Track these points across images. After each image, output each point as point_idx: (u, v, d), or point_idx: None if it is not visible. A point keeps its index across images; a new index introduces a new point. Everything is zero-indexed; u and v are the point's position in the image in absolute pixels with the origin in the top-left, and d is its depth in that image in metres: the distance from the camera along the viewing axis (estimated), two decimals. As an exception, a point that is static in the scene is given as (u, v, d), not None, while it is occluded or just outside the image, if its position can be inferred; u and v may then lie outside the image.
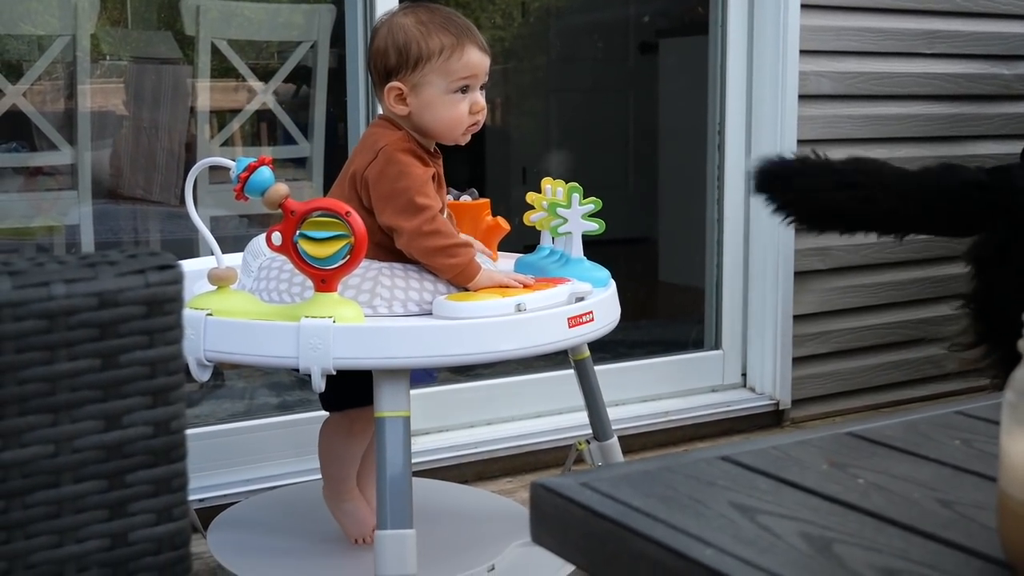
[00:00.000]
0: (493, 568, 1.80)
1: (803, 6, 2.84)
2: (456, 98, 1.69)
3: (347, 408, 1.81)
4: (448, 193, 1.94)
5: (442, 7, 1.78)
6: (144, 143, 3.23)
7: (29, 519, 0.83)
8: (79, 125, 2.90)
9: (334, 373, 1.49)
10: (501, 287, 1.64)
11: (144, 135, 3.24)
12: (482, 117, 1.73)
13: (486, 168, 4.99)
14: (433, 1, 1.83)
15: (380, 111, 1.78)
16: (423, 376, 2.63)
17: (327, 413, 1.89)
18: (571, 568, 1.80)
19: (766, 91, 2.89)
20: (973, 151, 3.18)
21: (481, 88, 1.73)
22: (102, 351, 0.83)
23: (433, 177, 1.70)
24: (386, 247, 1.65)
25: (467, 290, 1.65)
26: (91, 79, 3.01)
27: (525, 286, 1.67)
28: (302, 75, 3.25)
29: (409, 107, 1.69)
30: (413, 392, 1.63)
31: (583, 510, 0.79)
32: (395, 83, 1.69)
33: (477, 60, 1.70)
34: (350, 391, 1.73)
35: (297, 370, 1.54)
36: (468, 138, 1.75)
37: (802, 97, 2.88)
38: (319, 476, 1.92)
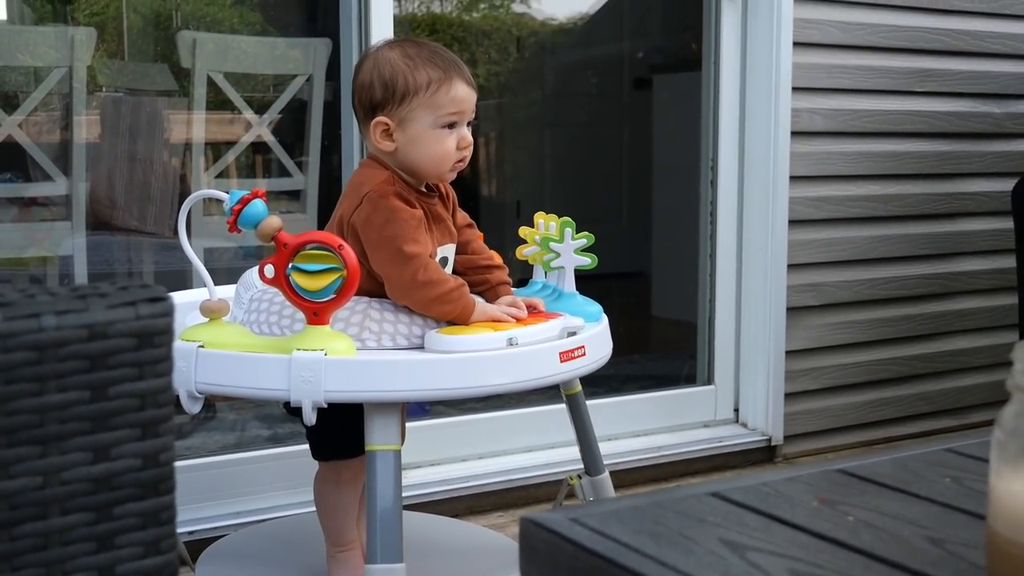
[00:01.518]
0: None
1: (795, 44, 2.87)
2: (443, 133, 1.67)
3: (333, 459, 1.80)
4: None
5: (428, 42, 1.77)
6: (139, 174, 3.23)
7: (16, 551, 0.82)
8: (74, 156, 2.91)
9: (325, 406, 1.49)
10: (495, 321, 1.64)
11: (139, 166, 3.24)
12: (468, 153, 1.71)
13: (480, 202, 5.00)
14: (421, 36, 1.82)
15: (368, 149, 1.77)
16: (415, 409, 2.64)
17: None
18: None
19: (759, 127, 2.90)
20: (964, 188, 3.20)
21: (468, 124, 1.71)
22: (92, 383, 0.83)
23: (427, 214, 1.69)
24: (376, 282, 1.64)
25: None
26: (87, 110, 3.02)
27: (518, 319, 1.67)
28: (297, 108, 3.26)
29: (395, 143, 1.67)
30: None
31: (572, 545, 0.78)
32: (381, 118, 1.67)
33: (464, 94, 1.69)
34: (336, 442, 1.72)
35: (288, 403, 1.54)
36: (454, 175, 1.73)
37: (794, 134, 2.90)
38: (310, 509, 1.91)
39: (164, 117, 3.33)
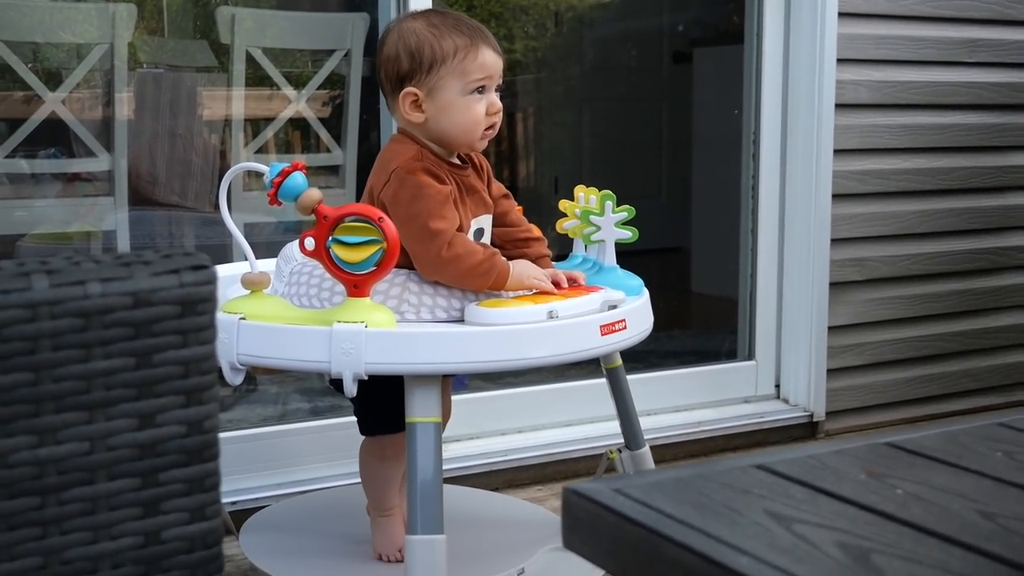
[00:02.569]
0: (523, 571, 1.80)
1: (840, 14, 2.83)
2: (473, 99, 1.66)
3: (378, 434, 1.81)
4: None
5: (450, 11, 1.76)
6: (179, 150, 3.25)
7: (64, 515, 0.83)
8: (116, 132, 2.93)
9: (365, 378, 1.49)
10: (534, 285, 1.63)
11: (179, 142, 3.26)
12: (498, 119, 1.70)
13: (518, 178, 4.99)
14: (459, 12, 1.80)
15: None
16: (455, 383, 2.64)
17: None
18: (600, 573, 1.79)
19: (802, 100, 2.87)
20: (1013, 161, 3.15)
21: (496, 90, 1.70)
22: (136, 350, 0.83)
23: (460, 186, 1.68)
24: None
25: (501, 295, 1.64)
26: (128, 87, 3.03)
27: (556, 284, 1.66)
28: (336, 83, 3.26)
29: (425, 113, 1.66)
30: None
31: (616, 516, 0.78)
32: (410, 88, 1.66)
33: (491, 60, 1.67)
34: (381, 417, 1.73)
35: (329, 376, 1.55)
36: (485, 144, 1.71)
37: (839, 106, 2.86)
38: (351, 481, 1.92)
39: (203, 93, 3.34)
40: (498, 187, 1.82)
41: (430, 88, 1.66)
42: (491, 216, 1.76)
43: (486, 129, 1.69)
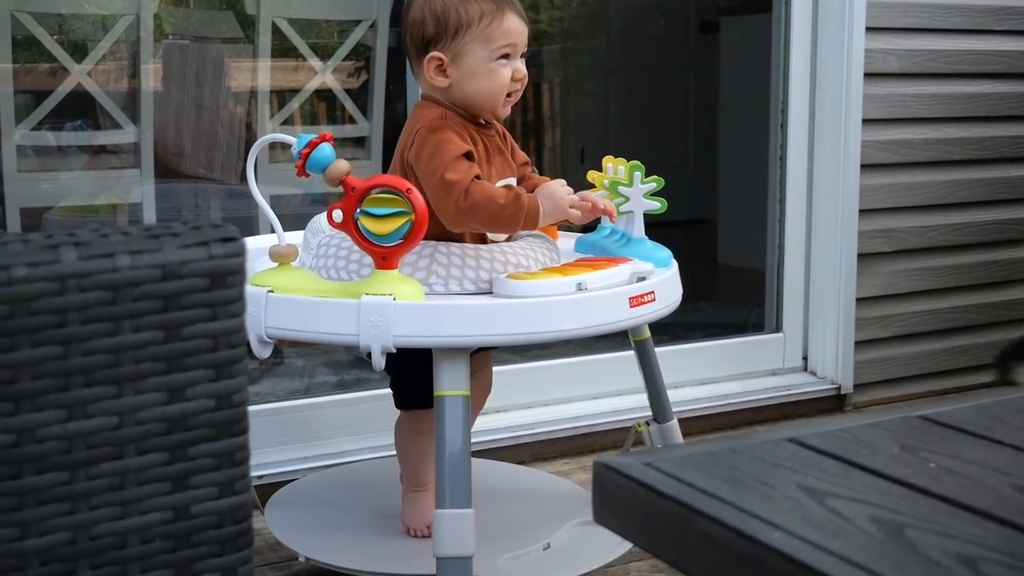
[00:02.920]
0: (548, 546, 1.80)
1: (870, -18, 2.79)
2: (498, 65, 1.66)
3: (413, 408, 1.81)
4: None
5: None
6: (205, 122, 3.25)
7: (93, 490, 0.83)
8: (142, 104, 2.93)
9: (394, 351, 1.49)
10: (572, 217, 1.62)
11: (205, 114, 3.26)
12: (522, 86, 1.69)
13: (544, 149, 4.97)
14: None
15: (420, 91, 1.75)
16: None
17: (385, 393, 1.89)
18: (627, 547, 1.79)
19: (831, 69, 2.84)
20: (1045, 131, 3.11)
21: (521, 57, 1.69)
22: (165, 323, 0.83)
23: (486, 147, 1.68)
24: (442, 225, 1.64)
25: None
26: (154, 58, 3.04)
27: (594, 206, 1.64)
28: (362, 54, 3.25)
29: (450, 78, 1.66)
30: (472, 371, 1.62)
31: (647, 490, 0.77)
32: (435, 53, 1.66)
33: (517, 26, 1.67)
34: (416, 391, 1.73)
35: (358, 347, 1.55)
36: (508, 110, 1.71)
37: (868, 75, 2.83)
38: (377, 454, 1.93)
39: (229, 64, 3.34)
40: (520, 154, 1.82)
41: (455, 53, 1.66)
42: (516, 179, 1.75)
43: (508, 95, 1.68)
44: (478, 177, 1.61)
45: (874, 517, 0.72)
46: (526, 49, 1.71)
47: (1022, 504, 0.74)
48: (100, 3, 3.08)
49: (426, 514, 1.82)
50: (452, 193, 1.57)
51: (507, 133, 1.80)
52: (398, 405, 1.84)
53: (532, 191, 1.72)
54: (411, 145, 1.64)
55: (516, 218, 1.59)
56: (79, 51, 2.98)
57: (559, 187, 1.67)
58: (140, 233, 0.83)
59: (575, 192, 1.69)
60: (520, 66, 1.68)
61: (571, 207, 1.63)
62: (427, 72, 1.67)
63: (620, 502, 0.80)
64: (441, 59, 1.66)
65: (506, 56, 1.67)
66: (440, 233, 1.62)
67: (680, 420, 2.06)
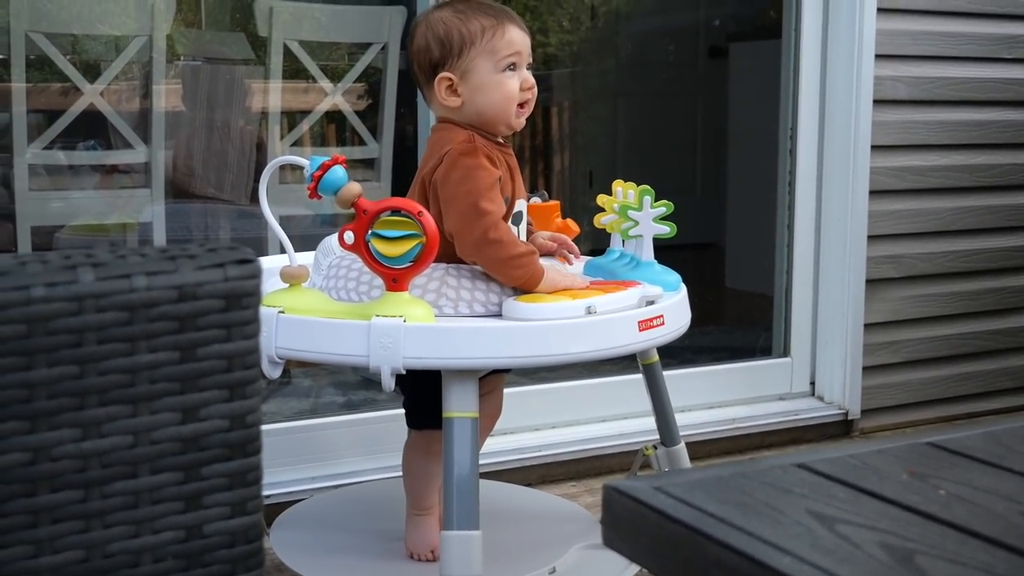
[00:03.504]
0: (554, 570, 1.80)
1: (879, 10, 2.80)
2: (506, 76, 1.68)
3: (425, 428, 1.81)
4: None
5: None
6: (216, 142, 3.27)
7: (107, 509, 0.84)
8: (154, 124, 2.95)
9: (403, 372, 1.49)
10: (566, 290, 1.63)
11: (216, 134, 3.28)
12: (532, 95, 1.71)
13: (552, 172, 4.98)
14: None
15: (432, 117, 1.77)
16: (489, 378, 2.64)
17: (393, 414, 1.90)
18: (633, 571, 1.78)
19: (840, 95, 2.85)
20: (1053, 159, 3.12)
21: (527, 67, 1.71)
22: (181, 344, 0.84)
23: (508, 167, 1.70)
24: (453, 247, 1.64)
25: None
26: (166, 79, 3.06)
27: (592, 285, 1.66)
28: (372, 76, 3.27)
29: (461, 96, 1.68)
30: (481, 393, 1.62)
31: (656, 514, 0.78)
32: (444, 74, 1.68)
33: (519, 37, 1.70)
34: (428, 411, 1.73)
35: (367, 368, 1.55)
36: (522, 122, 1.73)
37: (877, 102, 2.84)
38: (384, 475, 1.93)
39: (241, 86, 3.36)
40: None
41: (463, 71, 1.68)
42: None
43: (520, 106, 1.71)
44: None
45: (884, 543, 0.72)
46: (531, 60, 1.73)
47: (1031, 532, 0.75)
48: (113, 24, 3.10)
49: (429, 538, 1.82)
50: (482, 221, 1.59)
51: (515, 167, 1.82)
52: (411, 424, 1.84)
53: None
54: (437, 166, 1.65)
55: (524, 271, 1.61)
56: (92, 71, 3.00)
57: (561, 272, 1.69)
58: (157, 254, 0.84)
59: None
60: (528, 75, 1.71)
61: (573, 281, 1.67)
62: (439, 93, 1.69)
63: (630, 526, 0.80)
64: (451, 79, 1.68)
65: (512, 67, 1.69)
66: (450, 256, 1.63)
67: (688, 444, 2.06)
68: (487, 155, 1.66)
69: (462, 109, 1.69)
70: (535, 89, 1.71)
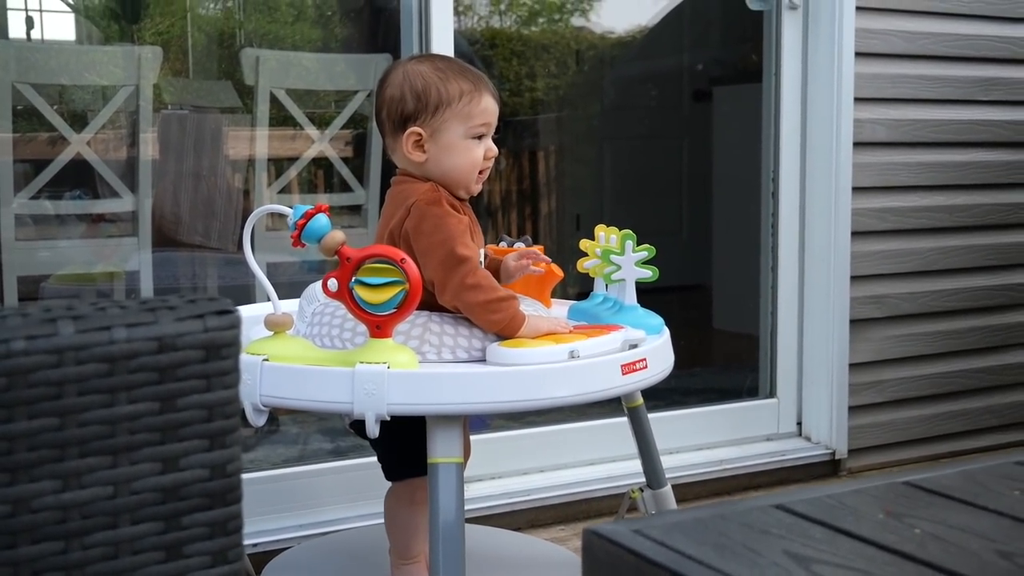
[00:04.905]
0: (545, 617, 1.79)
1: (858, 54, 2.84)
2: (473, 143, 1.71)
3: (408, 478, 1.80)
4: (502, 240, 1.95)
5: (452, 57, 1.80)
6: (203, 190, 3.28)
7: (88, 560, 0.84)
8: (140, 172, 2.96)
9: (388, 418, 1.50)
10: (549, 335, 1.64)
11: (203, 182, 3.29)
12: (491, 163, 1.74)
13: (539, 216, 5.01)
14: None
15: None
16: (476, 423, 2.65)
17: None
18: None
19: (821, 138, 2.88)
20: (1032, 198, 3.15)
21: (492, 137, 1.75)
22: (161, 394, 0.84)
23: (471, 220, 1.71)
24: (432, 300, 1.65)
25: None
26: (153, 128, 3.07)
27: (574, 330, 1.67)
28: (358, 123, 3.29)
29: (427, 153, 1.69)
30: (466, 438, 1.63)
31: (635, 557, 0.78)
32: (414, 128, 1.69)
33: (492, 107, 1.73)
34: (409, 460, 1.73)
35: (354, 422, 1.55)
36: (479, 187, 1.75)
37: (857, 144, 2.87)
38: (373, 522, 1.92)
39: (227, 134, 3.38)
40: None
41: (434, 129, 1.69)
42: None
43: (480, 172, 1.73)
44: None
45: (859, 584, 0.73)
46: (496, 129, 1.76)
47: (1005, 570, 0.75)
48: (100, 73, 3.12)
49: None
50: (462, 268, 1.60)
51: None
52: (390, 477, 1.83)
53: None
54: (406, 218, 1.66)
55: (504, 314, 1.61)
56: (79, 121, 3.01)
57: (544, 319, 1.68)
58: (136, 306, 0.84)
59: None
60: (492, 145, 1.73)
61: (554, 327, 1.66)
62: (405, 147, 1.70)
63: (610, 569, 0.81)
64: (420, 134, 1.69)
65: (480, 136, 1.72)
66: (431, 303, 1.64)
67: (676, 486, 2.06)
68: (452, 204, 1.68)
69: (425, 166, 1.71)
70: (495, 157, 1.74)
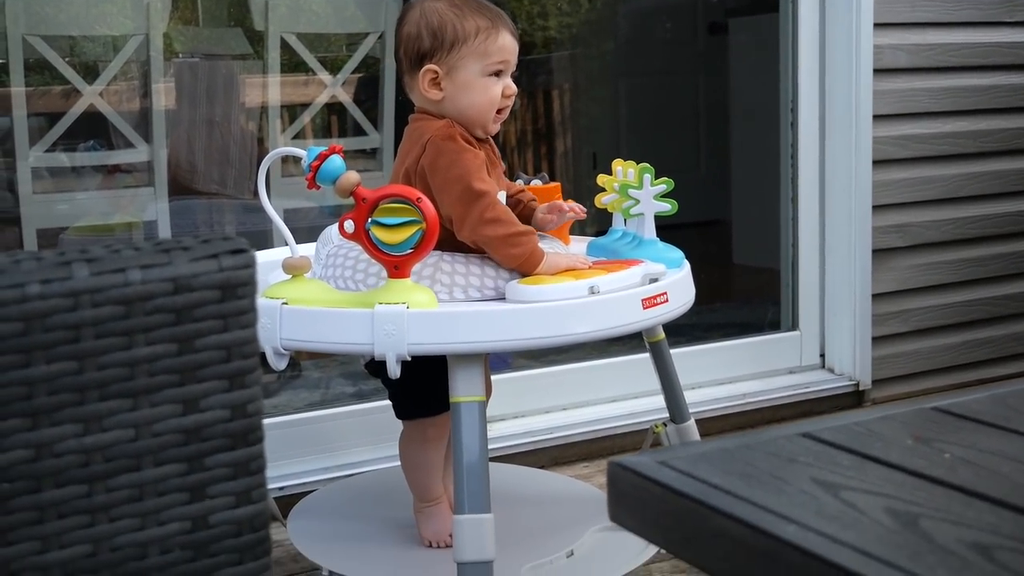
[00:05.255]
0: (572, 553, 1.80)
1: (876, -22, 2.79)
2: (491, 81, 1.69)
3: (417, 417, 1.81)
4: (518, 178, 1.94)
5: None
6: (217, 138, 3.27)
7: (112, 503, 0.84)
8: (154, 123, 2.95)
9: (409, 359, 1.49)
10: (568, 271, 1.63)
11: (217, 130, 3.28)
12: (511, 103, 1.72)
13: (555, 154, 4.98)
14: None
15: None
16: (497, 362, 2.65)
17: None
18: (651, 552, 1.78)
19: (840, 66, 2.84)
20: (1057, 122, 3.10)
21: (511, 75, 1.72)
22: (178, 336, 0.84)
23: (489, 159, 1.69)
24: (448, 232, 1.64)
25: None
26: (164, 77, 3.06)
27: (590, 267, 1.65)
28: (371, 66, 3.27)
29: (443, 91, 1.68)
30: (488, 377, 1.62)
31: (661, 488, 0.78)
32: (430, 66, 1.67)
33: (510, 44, 1.70)
34: (420, 399, 1.73)
35: (370, 364, 1.54)
36: (497, 127, 1.73)
37: (877, 71, 2.83)
38: (396, 463, 1.93)
39: (240, 81, 3.36)
40: (513, 185, 1.86)
41: (450, 67, 1.68)
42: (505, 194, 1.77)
43: (497, 112, 1.71)
44: None
45: (889, 509, 0.72)
46: (515, 67, 1.74)
47: (1037, 492, 0.74)
48: (110, 24, 3.10)
49: (444, 526, 1.82)
50: (480, 202, 1.59)
51: (494, 147, 1.82)
52: (401, 416, 1.83)
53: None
54: (421, 154, 1.64)
55: (523, 248, 1.60)
56: (91, 72, 3.00)
57: (563, 255, 1.67)
58: (151, 248, 0.84)
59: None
60: (510, 83, 1.71)
61: (573, 262, 1.64)
62: (421, 84, 1.69)
63: (635, 501, 0.80)
64: (436, 72, 1.68)
65: (498, 73, 1.70)
66: (444, 243, 1.62)
67: (699, 420, 2.06)
68: (468, 139, 1.66)
69: (442, 104, 1.69)
70: (515, 96, 1.72)
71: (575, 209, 1.78)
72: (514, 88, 1.71)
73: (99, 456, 0.83)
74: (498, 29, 1.68)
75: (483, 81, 1.68)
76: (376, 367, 1.54)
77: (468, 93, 1.68)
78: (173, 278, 0.83)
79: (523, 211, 1.79)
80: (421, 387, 1.65)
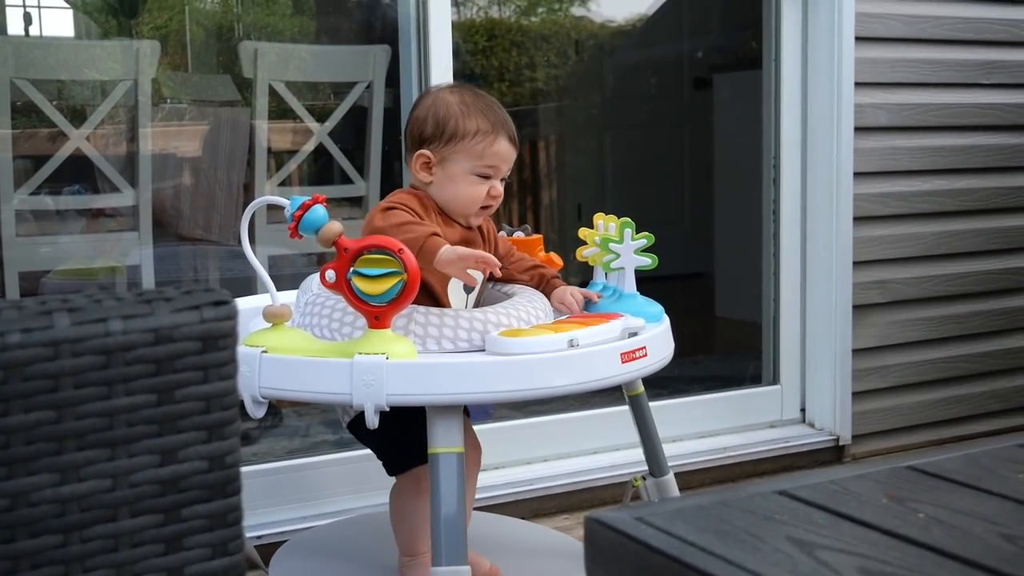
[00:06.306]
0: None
1: (858, 38, 2.83)
2: (477, 180, 1.75)
3: (410, 468, 1.80)
4: (500, 230, 1.95)
5: (486, 94, 1.83)
6: (204, 184, 3.28)
7: (87, 553, 0.84)
8: (140, 167, 2.96)
9: (387, 409, 1.49)
10: (473, 262, 1.58)
11: (203, 176, 3.29)
12: (496, 203, 1.78)
13: (541, 206, 5.00)
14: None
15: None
16: (479, 413, 2.64)
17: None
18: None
19: (821, 124, 2.87)
20: (1034, 182, 3.14)
21: (502, 180, 1.78)
22: (158, 386, 0.84)
23: (462, 239, 1.73)
24: (423, 290, 1.63)
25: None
26: (152, 122, 3.07)
27: (491, 265, 1.61)
28: (358, 115, 3.29)
29: (433, 177, 1.76)
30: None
31: (638, 544, 0.78)
32: (425, 151, 1.76)
33: (505, 151, 1.77)
34: (411, 451, 1.73)
35: (351, 425, 1.53)
36: (480, 220, 1.80)
37: (858, 129, 2.86)
38: (377, 511, 1.92)
39: (227, 127, 3.37)
40: (503, 243, 1.91)
41: (443, 157, 1.75)
42: (486, 281, 1.81)
43: (482, 208, 1.77)
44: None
45: (862, 568, 0.72)
46: (509, 172, 1.80)
47: (1009, 553, 0.75)
48: (99, 69, 3.12)
49: None
50: (379, 206, 1.68)
51: (491, 228, 1.88)
52: (393, 471, 1.83)
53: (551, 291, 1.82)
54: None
55: (419, 235, 1.59)
56: (78, 116, 3.01)
57: (464, 250, 1.64)
58: (133, 298, 0.84)
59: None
60: (498, 186, 1.77)
61: (467, 259, 1.60)
62: (414, 165, 1.77)
63: (612, 557, 0.81)
64: (429, 158, 1.76)
65: (487, 176, 1.76)
66: (420, 298, 1.62)
67: (680, 474, 2.06)
68: (412, 210, 1.69)
69: (429, 188, 1.77)
70: (500, 198, 1.78)
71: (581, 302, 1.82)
72: (500, 191, 1.77)
73: (75, 506, 0.82)
74: (497, 135, 1.75)
75: (470, 179, 1.75)
76: (358, 427, 1.54)
77: (454, 185, 1.75)
78: (154, 329, 0.83)
79: (547, 288, 1.84)
80: (412, 437, 1.64)
